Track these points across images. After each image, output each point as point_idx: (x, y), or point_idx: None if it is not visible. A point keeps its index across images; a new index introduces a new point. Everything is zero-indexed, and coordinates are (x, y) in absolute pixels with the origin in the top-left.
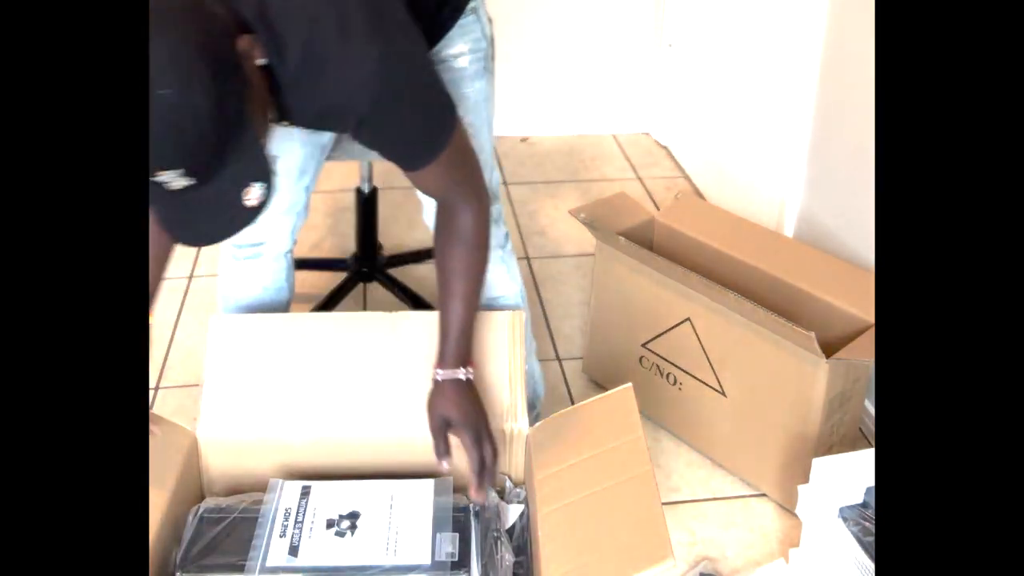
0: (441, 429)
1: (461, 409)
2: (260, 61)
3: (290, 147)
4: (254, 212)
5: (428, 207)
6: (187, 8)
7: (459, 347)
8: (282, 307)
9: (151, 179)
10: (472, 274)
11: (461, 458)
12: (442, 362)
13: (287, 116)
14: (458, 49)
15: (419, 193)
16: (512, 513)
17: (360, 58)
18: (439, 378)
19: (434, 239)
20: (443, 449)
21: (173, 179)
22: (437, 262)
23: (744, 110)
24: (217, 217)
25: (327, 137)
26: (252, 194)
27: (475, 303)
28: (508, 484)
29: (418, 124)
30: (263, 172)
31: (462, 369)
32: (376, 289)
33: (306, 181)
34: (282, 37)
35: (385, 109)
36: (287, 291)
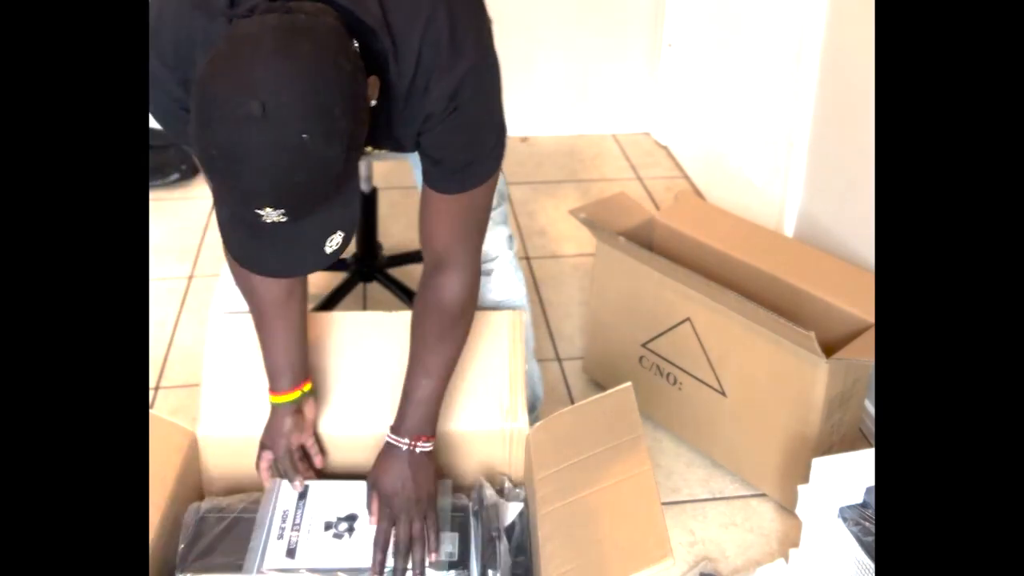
0: (370, 491)
1: (389, 481)
2: (373, 102)
3: None
4: (329, 258)
5: None
6: (340, 42)
7: (414, 419)
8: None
9: (248, 208)
10: (447, 348)
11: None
12: (394, 426)
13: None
14: None
15: None
16: (512, 512)
17: (463, 59)
18: (386, 440)
19: (414, 303)
20: (372, 509)
21: (270, 215)
22: (412, 326)
23: (744, 110)
24: (292, 254)
25: None
26: (334, 241)
27: (444, 378)
28: (508, 484)
29: (477, 137)
30: (351, 223)
31: (409, 441)
32: (376, 289)
33: None
34: (401, 41)
35: (462, 113)
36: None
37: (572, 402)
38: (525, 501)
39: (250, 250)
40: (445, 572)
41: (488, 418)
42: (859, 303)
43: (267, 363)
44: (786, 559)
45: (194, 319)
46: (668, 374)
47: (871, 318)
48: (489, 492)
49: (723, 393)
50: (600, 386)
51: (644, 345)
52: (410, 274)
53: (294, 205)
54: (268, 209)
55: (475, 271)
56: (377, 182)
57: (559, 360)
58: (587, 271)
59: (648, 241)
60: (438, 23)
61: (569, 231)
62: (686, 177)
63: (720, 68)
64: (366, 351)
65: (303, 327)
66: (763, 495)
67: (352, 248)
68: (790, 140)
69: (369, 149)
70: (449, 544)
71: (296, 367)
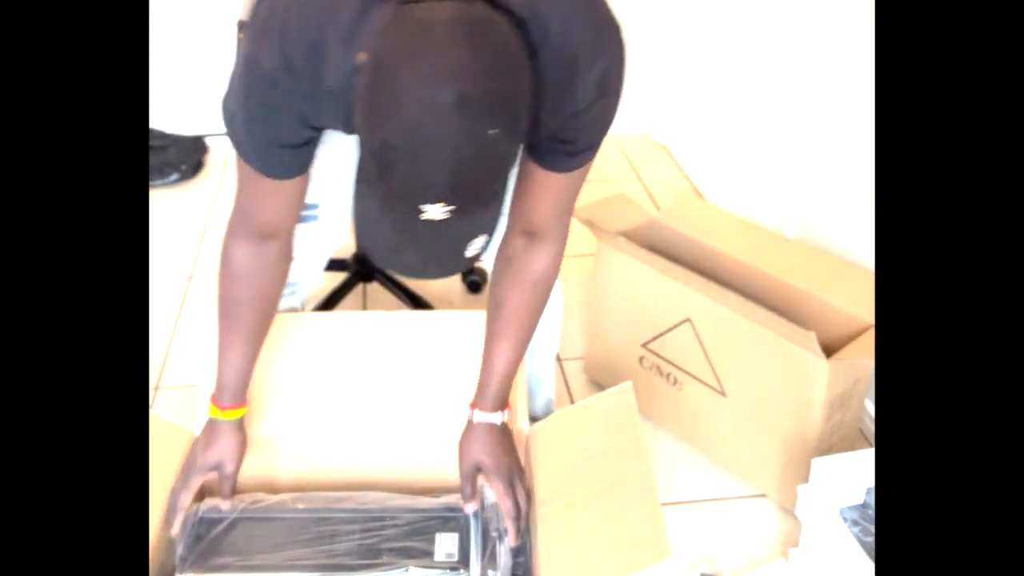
0: (471, 473)
1: (494, 456)
2: None
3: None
4: (467, 261)
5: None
6: (517, 40)
7: (501, 391)
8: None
9: (414, 201)
10: (532, 320)
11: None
12: (481, 403)
13: None
14: None
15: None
16: None
17: (607, 46)
18: (475, 419)
19: (498, 273)
20: (469, 493)
21: (434, 211)
22: (496, 298)
23: (744, 110)
24: (433, 255)
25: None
26: (476, 244)
27: (524, 349)
28: None
29: (610, 120)
30: (494, 225)
31: (500, 413)
32: (376, 289)
33: None
34: (546, 30)
35: (607, 98)
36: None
37: (572, 402)
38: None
39: (391, 247)
40: (445, 572)
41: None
42: (859, 303)
43: (226, 375)
44: (786, 559)
45: (194, 319)
46: (668, 374)
47: (871, 318)
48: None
49: (723, 393)
50: (600, 386)
51: (644, 345)
52: None
53: (464, 202)
54: (438, 204)
55: (565, 243)
56: None
57: (559, 360)
58: (587, 271)
59: (648, 241)
60: (580, 8)
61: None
62: (686, 177)
63: (720, 68)
64: (366, 351)
65: (260, 350)
66: (763, 495)
67: (352, 248)
68: (790, 140)
69: None
70: (449, 544)
71: (246, 387)
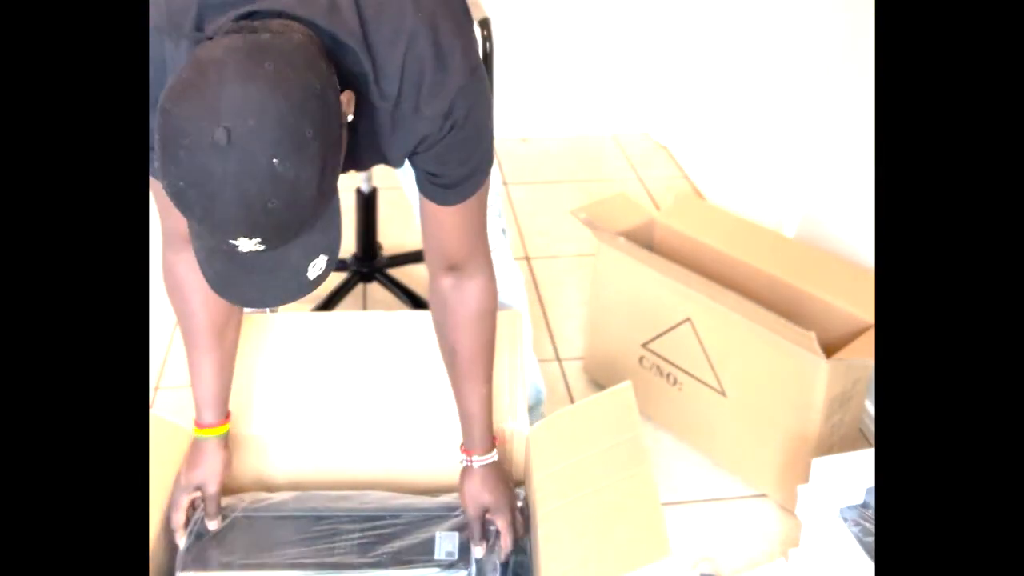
0: (480, 515)
1: (496, 493)
2: (349, 118)
3: None
4: (313, 284)
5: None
6: (308, 59)
7: (486, 431)
8: None
9: (222, 239)
10: (489, 352)
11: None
12: (472, 448)
13: (352, 166)
14: None
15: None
16: None
17: (452, 77)
18: (474, 465)
19: (437, 316)
20: (480, 535)
21: (247, 244)
22: (446, 343)
23: (744, 110)
24: (272, 283)
25: None
26: (317, 265)
27: (491, 377)
28: None
29: (474, 152)
30: (333, 245)
31: (493, 451)
32: (376, 289)
33: None
34: (383, 61)
35: (459, 131)
36: None
37: (572, 402)
38: (525, 501)
39: (229, 281)
40: (445, 572)
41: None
42: (859, 303)
43: (200, 393)
44: (786, 559)
45: None
46: (668, 374)
47: (871, 318)
48: None
49: (723, 393)
50: (600, 386)
51: (644, 345)
52: (410, 274)
53: (270, 233)
54: (243, 239)
55: (492, 270)
56: (377, 182)
57: (559, 360)
58: (587, 271)
59: (648, 241)
60: (421, 41)
61: (569, 231)
62: (686, 177)
63: (720, 68)
64: (366, 351)
65: (234, 358)
66: (763, 495)
67: (352, 248)
68: (790, 140)
69: (352, 172)
70: (449, 544)
71: (226, 400)
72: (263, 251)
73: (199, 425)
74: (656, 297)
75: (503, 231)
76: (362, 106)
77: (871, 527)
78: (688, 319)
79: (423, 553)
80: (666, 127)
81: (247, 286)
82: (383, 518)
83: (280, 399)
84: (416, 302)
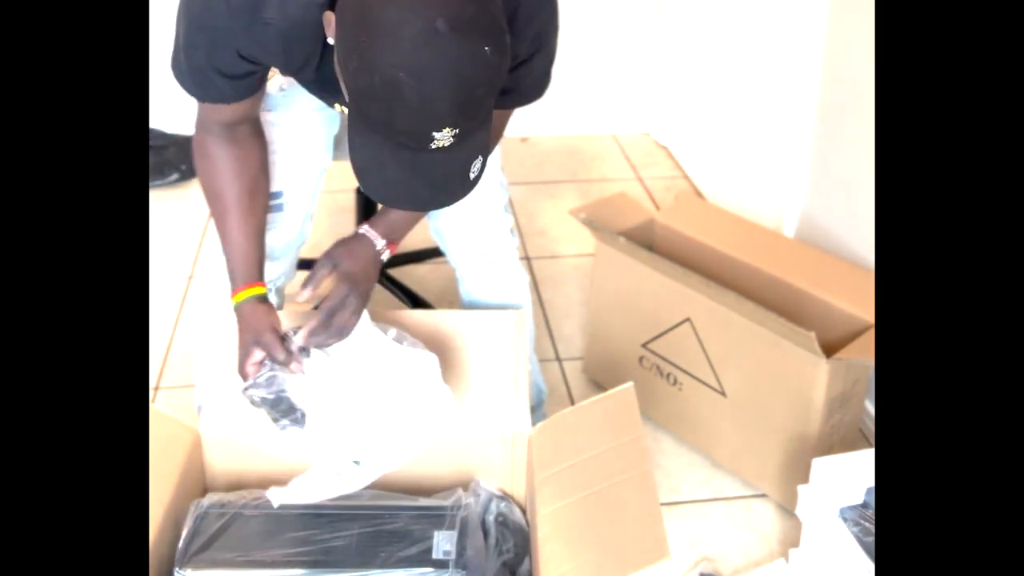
0: (324, 266)
1: (356, 265)
2: None
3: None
4: (471, 184)
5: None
6: None
7: (395, 225)
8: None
9: (423, 132)
10: None
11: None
12: (373, 223)
13: None
14: None
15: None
16: (512, 513)
17: (544, 4)
18: (360, 231)
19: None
20: (315, 282)
21: (442, 137)
22: None
23: (744, 110)
24: (443, 183)
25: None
26: (476, 167)
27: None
28: (507, 484)
29: (545, 73)
30: (489, 146)
31: (383, 241)
32: (376, 289)
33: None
34: None
35: (541, 54)
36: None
37: (572, 402)
38: (525, 501)
39: (400, 185)
40: (443, 572)
41: (490, 419)
42: (859, 303)
43: (233, 261)
44: (786, 559)
45: (194, 319)
46: (668, 374)
47: (871, 318)
48: (484, 487)
49: (723, 393)
50: (600, 386)
51: (644, 345)
52: (410, 274)
53: (467, 123)
54: (445, 130)
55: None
56: None
57: (559, 360)
58: (587, 271)
59: (648, 241)
60: None
61: (569, 231)
62: (686, 177)
63: (720, 68)
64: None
65: (264, 228)
66: (763, 495)
67: None
68: (790, 140)
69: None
70: (448, 543)
71: (260, 264)
72: (447, 147)
73: (235, 291)
74: (656, 297)
75: (511, 231)
76: None
77: (871, 527)
78: (688, 319)
79: (421, 552)
80: (666, 127)
81: (419, 188)
82: (381, 516)
83: None
84: (416, 302)
